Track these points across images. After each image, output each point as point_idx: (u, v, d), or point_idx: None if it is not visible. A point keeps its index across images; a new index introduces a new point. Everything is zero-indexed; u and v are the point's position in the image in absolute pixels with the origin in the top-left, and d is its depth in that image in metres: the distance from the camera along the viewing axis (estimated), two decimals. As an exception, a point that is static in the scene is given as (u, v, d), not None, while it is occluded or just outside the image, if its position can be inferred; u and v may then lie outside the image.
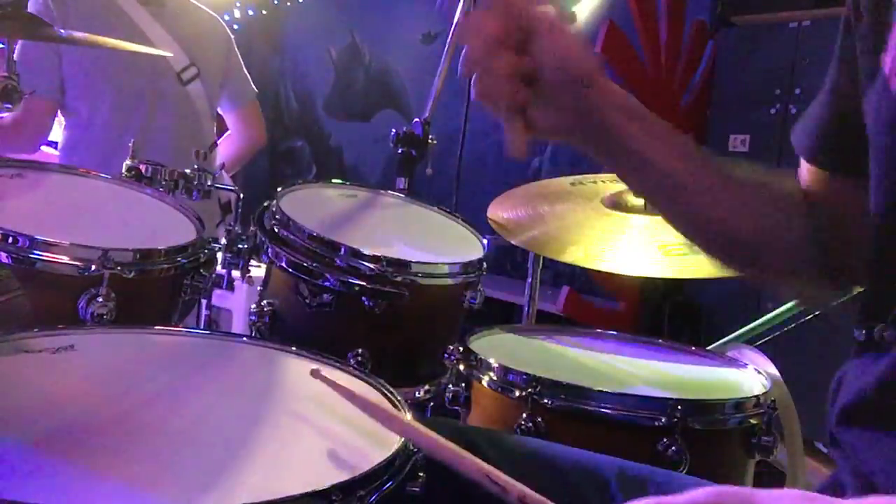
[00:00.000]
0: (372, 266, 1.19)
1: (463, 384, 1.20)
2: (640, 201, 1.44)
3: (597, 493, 0.81)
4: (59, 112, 2.19)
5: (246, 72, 2.48)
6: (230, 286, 1.38)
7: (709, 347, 1.51)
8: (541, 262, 1.79)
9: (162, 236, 1.22)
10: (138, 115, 2.14)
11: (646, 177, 0.83)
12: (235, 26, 4.79)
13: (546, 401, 1.07)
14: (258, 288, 1.37)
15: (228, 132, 2.53)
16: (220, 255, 1.35)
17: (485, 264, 1.34)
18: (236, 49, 2.44)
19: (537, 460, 0.86)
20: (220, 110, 2.48)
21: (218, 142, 2.49)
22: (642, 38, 3.16)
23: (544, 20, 0.75)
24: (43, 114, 2.11)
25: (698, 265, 1.28)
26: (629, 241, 1.40)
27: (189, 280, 1.23)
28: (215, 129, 2.40)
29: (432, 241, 1.41)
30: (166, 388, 0.83)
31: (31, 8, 2.01)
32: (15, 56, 2.06)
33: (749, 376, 1.26)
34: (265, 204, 1.31)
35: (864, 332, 0.67)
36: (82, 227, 1.19)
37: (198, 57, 2.25)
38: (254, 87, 2.51)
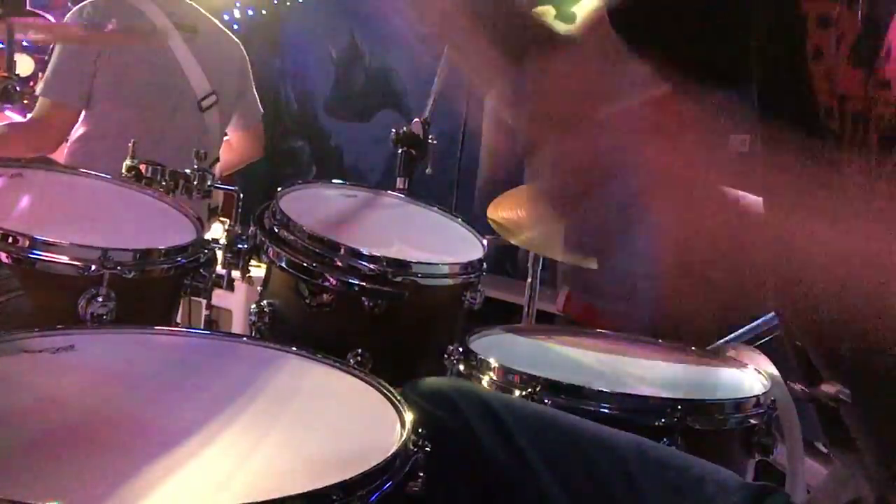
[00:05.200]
0: (372, 266, 1.19)
1: (463, 384, 1.20)
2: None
3: (613, 468, 0.81)
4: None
5: (255, 93, 2.52)
6: (230, 286, 1.38)
7: (709, 347, 1.51)
8: (540, 262, 1.78)
9: (162, 236, 1.22)
10: (152, 132, 2.16)
11: None
12: (235, 26, 4.78)
13: (546, 401, 1.07)
14: (258, 288, 1.37)
15: (227, 138, 2.55)
16: (220, 255, 1.35)
17: (485, 265, 1.34)
18: (250, 72, 2.48)
19: (555, 430, 0.87)
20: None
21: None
22: (642, 38, 3.15)
23: None
24: (66, 120, 2.17)
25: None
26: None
27: (189, 280, 1.23)
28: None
29: (432, 241, 1.41)
30: (166, 389, 0.83)
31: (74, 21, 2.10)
32: (50, 61, 2.10)
33: (749, 376, 1.26)
34: (265, 204, 1.32)
35: None
36: (82, 227, 1.19)
37: (218, 84, 2.29)
38: (261, 107, 2.56)
